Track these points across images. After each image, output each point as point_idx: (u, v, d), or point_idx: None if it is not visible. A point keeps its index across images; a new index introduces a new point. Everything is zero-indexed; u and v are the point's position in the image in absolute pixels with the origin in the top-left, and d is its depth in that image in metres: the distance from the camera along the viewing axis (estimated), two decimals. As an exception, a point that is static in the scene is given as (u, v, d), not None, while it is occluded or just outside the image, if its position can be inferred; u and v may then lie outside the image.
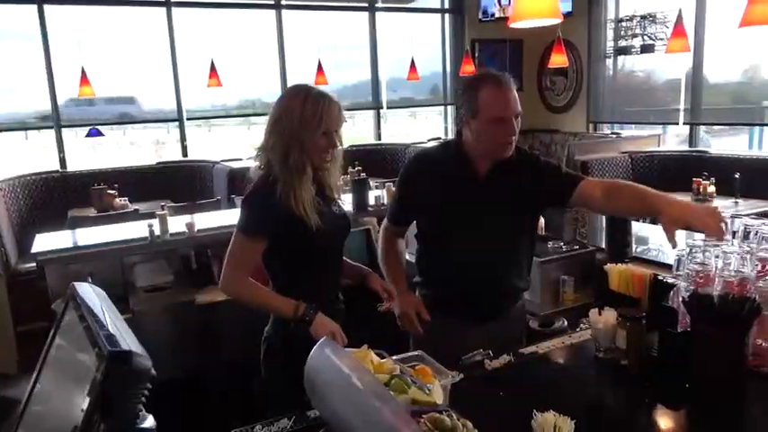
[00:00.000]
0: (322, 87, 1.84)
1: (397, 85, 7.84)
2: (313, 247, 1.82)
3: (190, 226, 3.24)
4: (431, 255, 2.05)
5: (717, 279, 1.58)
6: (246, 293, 1.82)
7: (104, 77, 5.74)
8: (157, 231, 3.18)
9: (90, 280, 2.74)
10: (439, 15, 7.98)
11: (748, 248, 1.62)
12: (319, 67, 6.19)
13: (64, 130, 6.00)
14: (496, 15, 7.46)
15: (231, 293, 1.84)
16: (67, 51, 5.70)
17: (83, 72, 5.13)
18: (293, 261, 1.86)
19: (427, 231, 2.06)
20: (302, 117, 1.74)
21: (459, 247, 1.94)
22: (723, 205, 4.74)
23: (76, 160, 6.17)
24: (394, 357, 1.49)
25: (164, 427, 1.20)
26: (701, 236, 1.65)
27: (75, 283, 1.10)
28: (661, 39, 6.37)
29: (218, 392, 3.14)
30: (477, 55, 7.62)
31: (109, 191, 5.10)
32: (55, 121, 5.89)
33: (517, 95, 1.87)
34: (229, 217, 3.82)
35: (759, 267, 1.58)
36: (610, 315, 1.64)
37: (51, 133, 5.97)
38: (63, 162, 6.01)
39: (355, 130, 7.91)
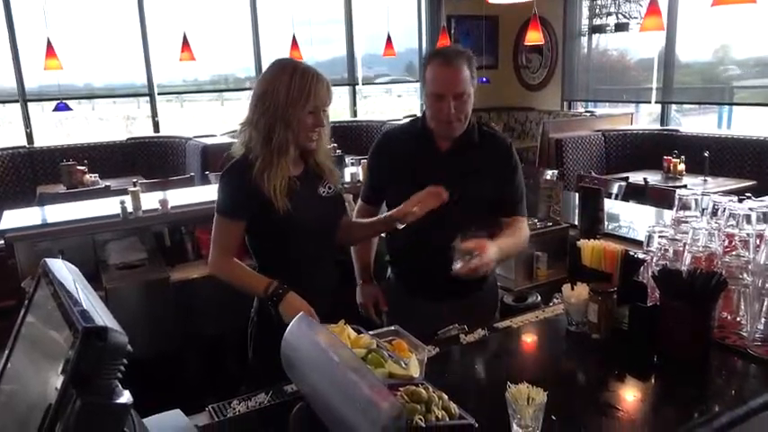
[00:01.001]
0: (298, 61, 1.79)
1: (373, 61, 7.77)
2: (283, 230, 1.77)
3: (163, 203, 3.20)
4: (399, 232, 2.05)
5: (686, 254, 1.62)
6: (228, 273, 1.80)
7: (72, 50, 5.57)
8: (130, 208, 3.12)
9: (61, 257, 2.69)
10: (415, -10, 7.90)
11: (716, 225, 1.67)
12: (294, 43, 6.10)
13: (30, 104, 5.83)
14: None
15: (216, 274, 1.82)
16: (32, 23, 5.51)
17: (48, 44, 4.97)
18: (267, 242, 1.83)
19: (394, 206, 2.04)
20: (289, 93, 1.67)
21: (424, 224, 1.94)
22: (692, 183, 4.85)
23: (44, 136, 6.01)
24: (371, 332, 1.50)
25: (139, 403, 1.20)
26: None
27: (48, 260, 1.07)
28: (635, 17, 6.42)
29: (193, 369, 3.14)
30: (453, 31, 7.58)
31: (78, 167, 4.99)
32: (20, 94, 5.72)
33: (467, 75, 1.84)
34: (203, 194, 3.78)
35: (726, 243, 1.63)
36: (582, 290, 1.67)
37: (16, 107, 5.80)
38: (30, 137, 5.85)
39: (331, 107, 7.82)
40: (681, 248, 1.62)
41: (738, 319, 1.60)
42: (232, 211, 1.77)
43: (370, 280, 2.17)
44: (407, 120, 2.39)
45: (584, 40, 7.25)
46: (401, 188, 1.95)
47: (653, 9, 4.58)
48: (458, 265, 1.70)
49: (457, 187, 1.90)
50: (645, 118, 7.10)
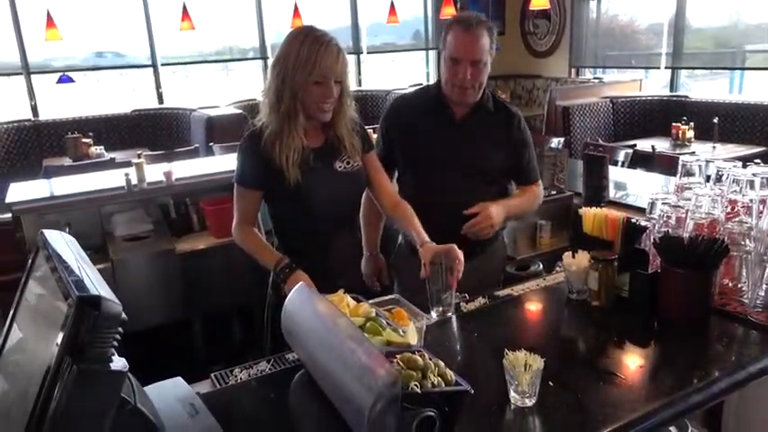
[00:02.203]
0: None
1: (378, 29, 7.65)
2: (295, 201, 1.75)
3: (168, 174, 3.20)
4: (409, 195, 2.07)
5: (688, 221, 1.61)
6: (245, 242, 1.81)
7: (74, 22, 5.52)
8: (134, 180, 3.13)
9: (68, 230, 2.71)
10: (420, -45, 7.73)
11: (719, 191, 1.65)
12: (296, 11, 6.01)
13: (34, 77, 5.81)
14: (479, -44, 7.25)
15: (237, 242, 1.83)
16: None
17: (48, 15, 4.93)
18: (282, 212, 1.85)
19: (406, 170, 2.11)
20: (296, 61, 1.64)
21: (436, 185, 1.99)
22: (701, 150, 4.79)
23: (48, 108, 6.01)
24: (370, 301, 1.51)
25: (145, 372, 1.22)
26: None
27: (45, 231, 1.09)
28: (645, -19, 6.26)
29: (199, 339, 3.19)
30: (459, -3, 7.43)
31: (84, 139, 5.00)
32: (24, 67, 5.70)
33: (485, 44, 1.90)
34: (208, 165, 3.78)
35: (729, 209, 1.61)
36: (582, 257, 1.66)
37: (21, 80, 5.78)
38: (35, 110, 5.85)
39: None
40: (683, 215, 1.61)
41: (740, 285, 1.59)
42: (246, 180, 1.79)
43: (376, 253, 2.21)
44: (417, 87, 2.41)
45: (593, 4, 7.09)
46: (417, 154, 2.05)
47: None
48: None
49: (472, 154, 1.99)
50: (655, 84, 6.98)
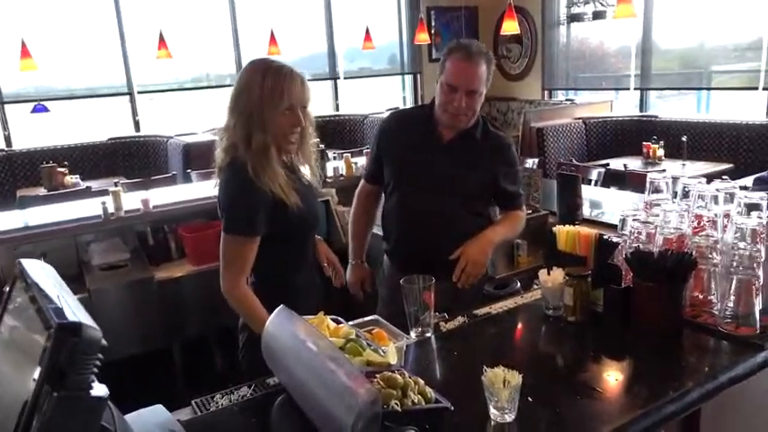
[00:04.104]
0: (277, 57, 1.76)
1: (355, 55, 7.75)
2: (294, 229, 1.73)
3: (145, 202, 3.19)
4: (394, 211, 2.12)
5: (657, 236, 1.66)
6: (240, 300, 1.71)
7: (49, 51, 5.51)
8: (111, 209, 3.11)
9: (43, 260, 2.68)
10: (393, -18, 7.90)
11: (686, 206, 1.70)
12: (272, 38, 6.08)
13: (7, 106, 5.76)
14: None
15: (234, 300, 1.72)
16: (7, 25, 5.45)
17: (23, 44, 4.92)
18: (272, 245, 1.75)
19: (392, 187, 2.14)
20: (262, 93, 1.62)
21: (419, 206, 2.02)
22: (671, 167, 4.91)
23: (23, 138, 5.95)
24: (351, 322, 1.52)
25: (125, 402, 1.21)
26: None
27: (23, 260, 1.08)
28: (612, 5, 6.46)
29: (179, 368, 3.14)
30: (432, 23, 7.59)
31: (59, 169, 4.95)
32: (-3, 97, 5.66)
33: (483, 74, 1.94)
34: (185, 192, 3.78)
35: (696, 224, 1.67)
36: (558, 274, 1.70)
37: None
38: (8, 140, 5.79)
39: (313, 102, 7.80)
40: (653, 231, 1.65)
41: (710, 297, 1.64)
42: (250, 228, 1.68)
43: (362, 261, 2.24)
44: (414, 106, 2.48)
45: (563, 29, 7.29)
46: (402, 172, 2.08)
47: (624, -4, 4.64)
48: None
49: (454, 177, 2.02)
50: (625, 104, 7.16)
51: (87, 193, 4.20)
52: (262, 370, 1.47)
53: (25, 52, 4.91)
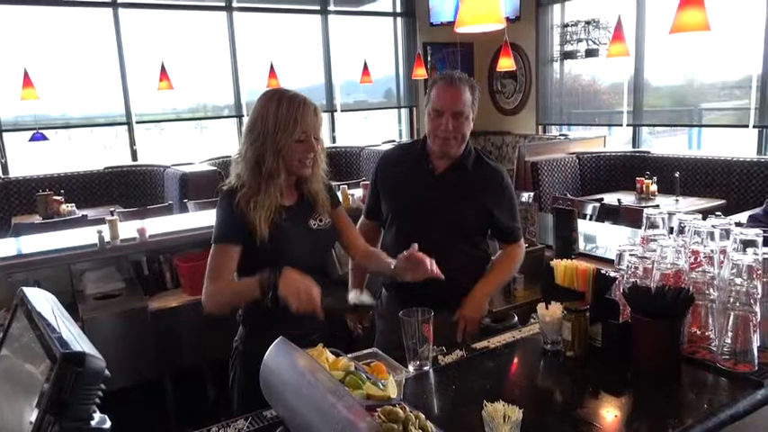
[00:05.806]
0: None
1: (352, 88, 7.87)
2: (262, 259, 1.72)
3: (141, 231, 3.19)
4: (391, 244, 2.12)
5: (654, 272, 1.67)
6: (219, 294, 1.72)
7: (49, 80, 5.56)
8: (107, 237, 3.11)
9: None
10: (391, 19, 8.07)
11: (683, 242, 1.72)
12: (271, 70, 6.16)
13: (5, 134, 5.79)
14: (447, 20, 7.59)
15: (209, 306, 1.71)
16: (8, 54, 5.51)
17: (25, 74, 4.97)
18: (246, 269, 1.77)
19: (389, 221, 2.16)
20: (276, 120, 1.68)
21: (415, 239, 2.00)
22: (664, 203, 4.96)
23: (20, 166, 5.97)
24: (349, 355, 1.52)
25: None
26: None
27: (24, 288, 1.08)
28: (604, 43, 6.62)
29: (173, 399, 3.10)
30: (429, 59, 7.73)
31: (55, 197, 4.95)
32: (-5, 125, 5.69)
33: (467, 98, 1.98)
34: (182, 222, 3.78)
35: (692, 259, 1.68)
36: (556, 308, 1.70)
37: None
38: (5, 167, 5.80)
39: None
40: (650, 266, 1.67)
41: (707, 333, 1.64)
42: (225, 235, 1.74)
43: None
44: (389, 144, 2.51)
45: (557, 65, 7.44)
46: (397, 205, 2.12)
47: (617, 36, 4.77)
48: None
49: (446, 209, 2.04)
50: (618, 140, 7.27)
51: (83, 221, 4.19)
52: (253, 403, 1.47)
53: (27, 82, 4.96)
